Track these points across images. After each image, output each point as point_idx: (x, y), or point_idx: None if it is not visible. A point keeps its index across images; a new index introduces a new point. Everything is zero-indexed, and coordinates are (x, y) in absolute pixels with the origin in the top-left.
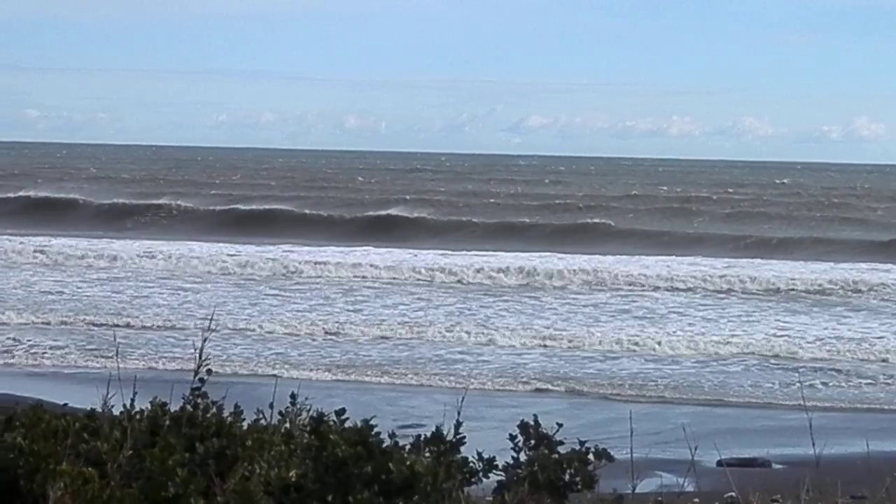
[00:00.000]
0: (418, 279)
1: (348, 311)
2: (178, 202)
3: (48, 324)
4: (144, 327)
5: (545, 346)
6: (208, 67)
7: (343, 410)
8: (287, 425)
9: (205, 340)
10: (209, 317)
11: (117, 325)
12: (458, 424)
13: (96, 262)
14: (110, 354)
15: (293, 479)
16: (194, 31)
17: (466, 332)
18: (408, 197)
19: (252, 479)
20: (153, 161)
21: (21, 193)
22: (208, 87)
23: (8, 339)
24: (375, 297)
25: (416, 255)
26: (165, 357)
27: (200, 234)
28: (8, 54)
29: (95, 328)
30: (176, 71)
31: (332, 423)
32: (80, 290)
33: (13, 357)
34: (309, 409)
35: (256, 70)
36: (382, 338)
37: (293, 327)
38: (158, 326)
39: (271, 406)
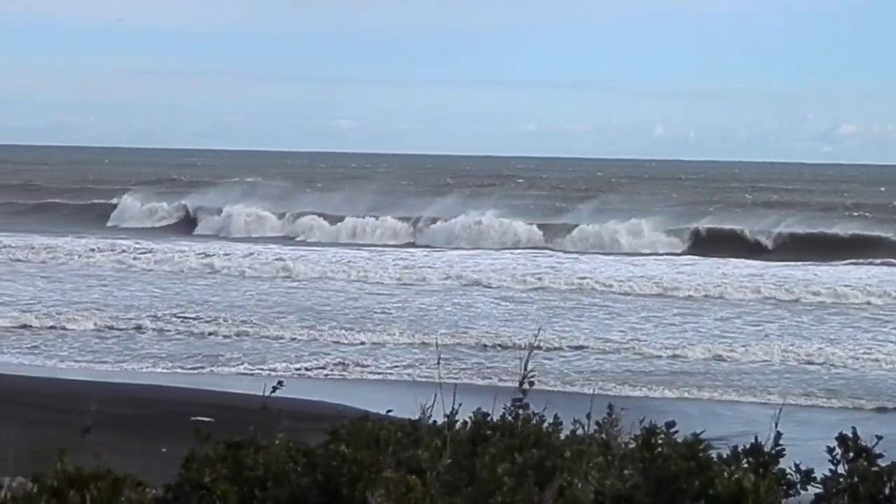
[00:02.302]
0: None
1: (645, 323)
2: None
3: (379, 342)
4: (471, 341)
5: (868, 359)
6: (517, 78)
7: (673, 423)
8: (604, 436)
9: (530, 353)
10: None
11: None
12: (778, 435)
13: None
14: (433, 364)
15: (624, 491)
16: (502, 43)
17: (792, 348)
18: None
19: (581, 488)
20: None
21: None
22: (517, 97)
23: (340, 352)
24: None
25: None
26: (489, 368)
27: None
28: (322, 67)
29: (420, 339)
30: (482, 81)
31: (661, 435)
32: (409, 302)
33: (344, 368)
34: (643, 421)
35: (564, 79)
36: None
37: (616, 343)
38: (483, 344)
39: (588, 416)
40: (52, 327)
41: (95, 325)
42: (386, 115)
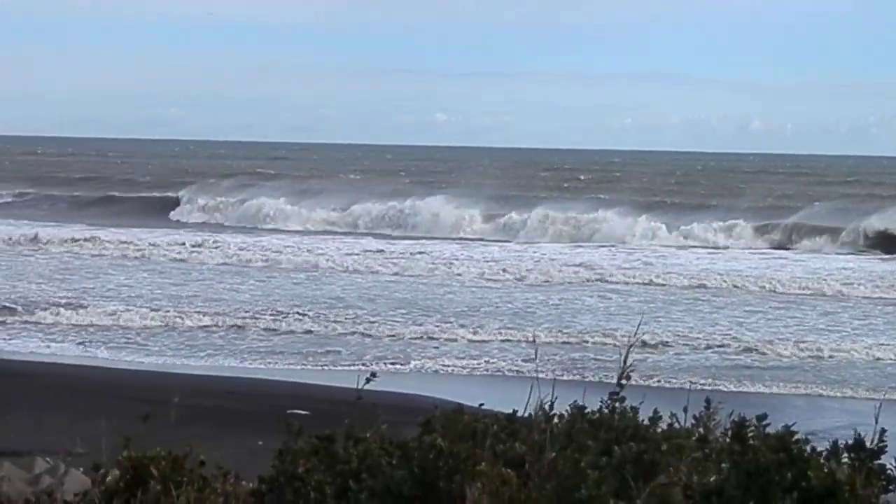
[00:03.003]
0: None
1: (747, 317)
2: None
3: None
4: (568, 337)
5: None
6: (611, 72)
7: (765, 416)
8: (701, 430)
9: (629, 348)
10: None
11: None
12: (882, 432)
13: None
14: (530, 358)
15: (714, 485)
16: (597, 36)
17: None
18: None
19: (672, 484)
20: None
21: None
22: (611, 91)
23: (439, 347)
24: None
25: None
26: (589, 362)
27: None
28: (420, 61)
29: (519, 334)
30: (579, 75)
31: (752, 428)
32: (508, 296)
33: (439, 362)
34: (731, 414)
35: (658, 73)
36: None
37: (718, 337)
38: (582, 339)
39: (685, 410)
40: (163, 325)
41: (198, 320)
42: (481, 108)
